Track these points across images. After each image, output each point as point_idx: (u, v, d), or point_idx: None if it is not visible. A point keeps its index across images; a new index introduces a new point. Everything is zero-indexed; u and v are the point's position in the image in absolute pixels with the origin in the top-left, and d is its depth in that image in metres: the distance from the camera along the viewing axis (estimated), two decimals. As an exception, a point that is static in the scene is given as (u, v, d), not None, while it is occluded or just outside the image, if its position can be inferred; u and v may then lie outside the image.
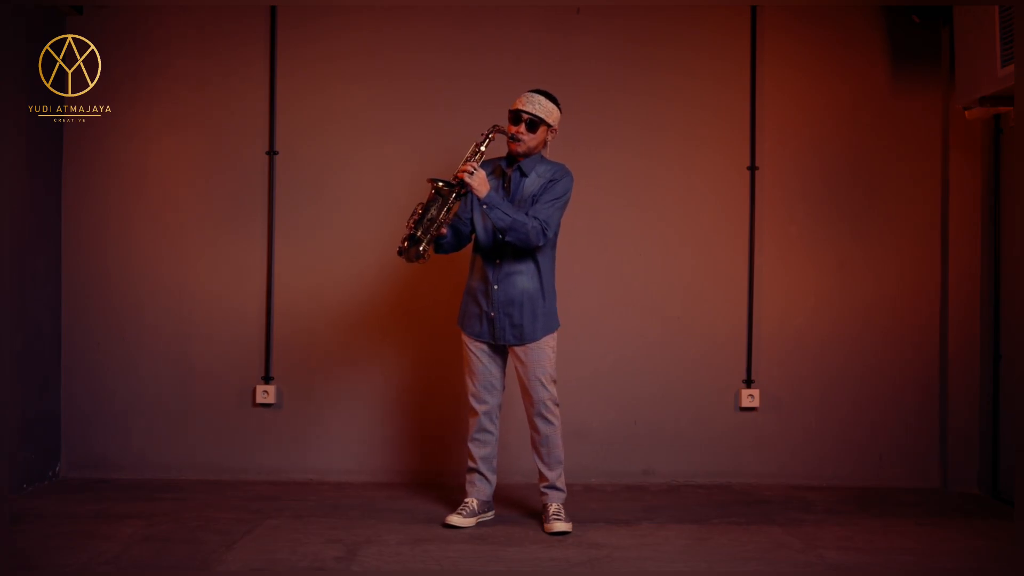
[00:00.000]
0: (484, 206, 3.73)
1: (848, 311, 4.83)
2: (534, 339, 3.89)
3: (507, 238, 3.78)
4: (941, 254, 4.82)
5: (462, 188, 3.75)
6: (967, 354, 4.74)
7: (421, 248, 3.76)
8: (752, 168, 4.82)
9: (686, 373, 4.82)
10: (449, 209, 3.76)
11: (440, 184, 3.74)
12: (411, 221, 3.77)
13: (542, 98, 3.85)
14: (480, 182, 3.72)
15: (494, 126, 3.85)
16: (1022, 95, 3.63)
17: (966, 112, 4.45)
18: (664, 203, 4.83)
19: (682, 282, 4.83)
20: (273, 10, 4.76)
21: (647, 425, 4.81)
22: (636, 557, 3.56)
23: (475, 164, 3.76)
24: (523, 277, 3.88)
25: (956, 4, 4.38)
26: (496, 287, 3.88)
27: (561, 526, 3.85)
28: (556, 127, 3.91)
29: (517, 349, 3.90)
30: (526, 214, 3.78)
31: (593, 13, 4.80)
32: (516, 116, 3.85)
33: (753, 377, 4.82)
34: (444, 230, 3.81)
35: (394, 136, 4.78)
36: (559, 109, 3.90)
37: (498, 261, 3.89)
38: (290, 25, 4.77)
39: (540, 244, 3.81)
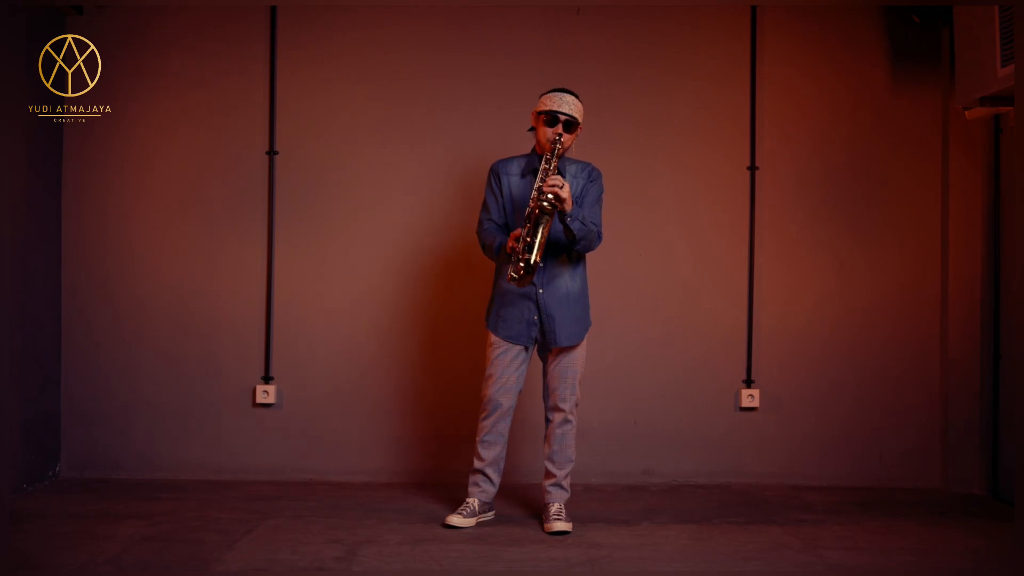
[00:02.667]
0: (568, 218, 3.68)
1: (848, 311, 4.83)
2: (580, 340, 3.91)
3: (578, 246, 3.80)
4: (941, 254, 4.82)
5: (559, 203, 3.63)
6: (967, 354, 4.74)
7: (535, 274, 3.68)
8: (752, 168, 4.82)
9: (686, 373, 4.82)
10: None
11: (546, 204, 3.58)
12: (522, 248, 3.60)
13: (572, 98, 3.81)
14: (568, 195, 3.66)
15: (558, 135, 3.73)
16: (1022, 95, 3.62)
17: (966, 112, 4.45)
18: (664, 203, 4.83)
19: (682, 282, 4.83)
20: (273, 10, 4.76)
21: (647, 425, 4.81)
22: (636, 557, 3.56)
23: (560, 179, 3.63)
24: (566, 278, 3.89)
25: (956, 4, 4.38)
26: (542, 290, 3.86)
27: (561, 526, 3.84)
28: (583, 125, 3.91)
29: (558, 349, 3.90)
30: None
31: (593, 13, 4.80)
32: (553, 117, 3.77)
33: (753, 377, 4.82)
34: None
35: (394, 136, 4.78)
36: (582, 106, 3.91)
37: (543, 264, 3.85)
38: (290, 25, 4.77)
39: (595, 248, 3.88)
